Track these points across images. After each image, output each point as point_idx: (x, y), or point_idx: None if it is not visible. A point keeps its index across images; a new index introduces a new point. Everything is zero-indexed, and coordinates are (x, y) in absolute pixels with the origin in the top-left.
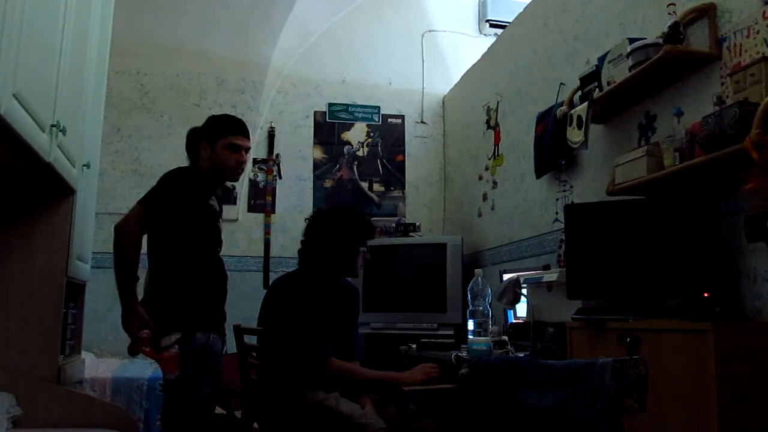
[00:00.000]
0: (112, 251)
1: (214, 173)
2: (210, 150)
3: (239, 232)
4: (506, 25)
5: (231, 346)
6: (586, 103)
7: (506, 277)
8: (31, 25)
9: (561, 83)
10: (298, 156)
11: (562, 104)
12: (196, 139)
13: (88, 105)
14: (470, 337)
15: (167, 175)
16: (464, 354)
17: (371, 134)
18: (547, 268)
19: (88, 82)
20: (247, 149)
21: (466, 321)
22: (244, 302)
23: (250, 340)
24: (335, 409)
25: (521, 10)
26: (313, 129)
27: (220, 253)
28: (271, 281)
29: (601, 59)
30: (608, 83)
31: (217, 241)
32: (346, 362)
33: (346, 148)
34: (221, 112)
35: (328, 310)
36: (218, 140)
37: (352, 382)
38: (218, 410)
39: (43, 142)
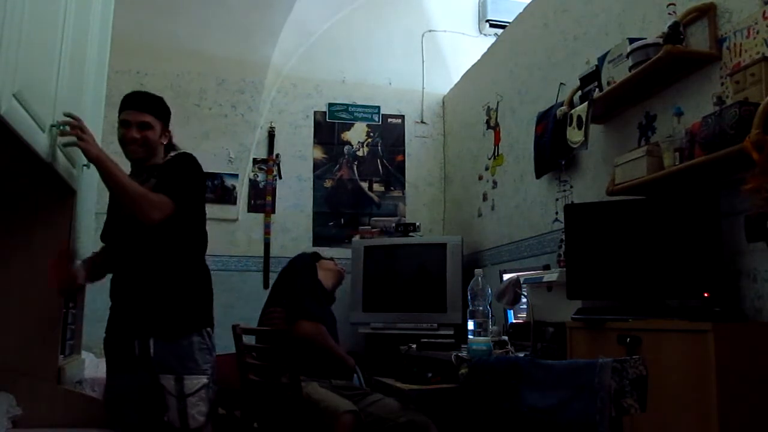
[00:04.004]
0: None
1: None
2: None
3: (239, 232)
4: (506, 25)
5: (230, 346)
6: (586, 103)
7: (506, 277)
8: (31, 25)
9: (561, 83)
10: (298, 156)
11: (562, 104)
12: None
13: (88, 105)
14: (470, 337)
15: (190, 161)
16: (464, 354)
17: (371, 134)
18: (547, 268)
19: (88, 82)
20: (140, 123)
21: (466, 321)
22: (243, 302)
23: (249, 340)
24: (306, 396)
25: (521, 10)
26: (313, 129)
27: (223, 253)
28: (270, 282)
29: (601, 59)
30: (608, 83)
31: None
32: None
33: (346, 148)
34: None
35: None
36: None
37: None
38: (218, 410)
39: (43, 142)
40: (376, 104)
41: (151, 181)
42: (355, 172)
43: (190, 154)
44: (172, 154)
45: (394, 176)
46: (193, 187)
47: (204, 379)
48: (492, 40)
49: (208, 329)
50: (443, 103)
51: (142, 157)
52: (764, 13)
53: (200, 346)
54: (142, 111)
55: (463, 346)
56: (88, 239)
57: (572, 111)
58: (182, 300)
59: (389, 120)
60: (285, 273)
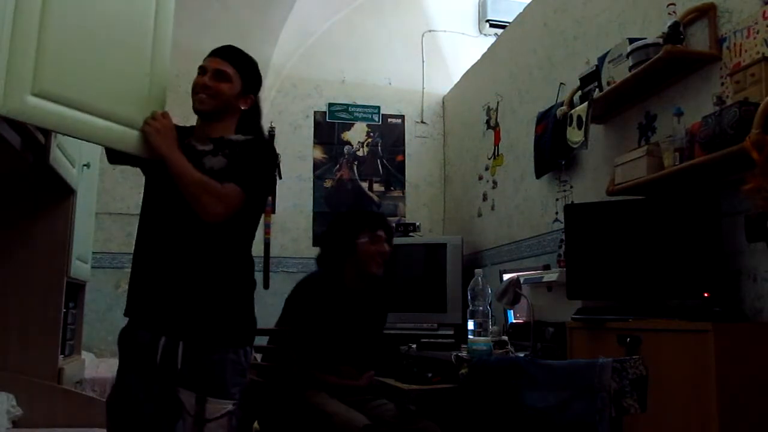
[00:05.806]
0: (112, 251)
1: None
2: None
3: None
4: (506, 25)
5: None
6: (586, 103)
7: (506, 277)
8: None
9: (561, 83)
10: (298, 156)
11: (562, 104)
12: None
13: None
14: (470, 337)
15: (271, 149)
16: (464, 354)
17: (371, 134)
18: (547, 268)
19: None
20: (217, 71)
21: (466, 321)
22: None
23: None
24: (320, 408)
25: (521, 10)
26: (313, 129)
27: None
28: (271, 281)
29: (601, 59)
30: (608, 83)
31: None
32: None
33: (346, 148)
34: None
35: (328, 311)
36: None
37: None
38: None
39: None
40: (376, 104)
41: (219, 157)
42: (355, 172)
43: (271, 142)
44: (249, 137)
45: (394, 176)
46: (267, 180)
47: (229, 406)
48: (492, 40)
49: (248, 348)
50: (443, 103)
51: (208, 111)
52: (764, 13)
53: (234, 366)
54: (224, 59)
55: (463, 346)
56: (88, 239)
57: (572, 111)
58: (229, 305)
59: (389, 120)
60: (287, 300)
